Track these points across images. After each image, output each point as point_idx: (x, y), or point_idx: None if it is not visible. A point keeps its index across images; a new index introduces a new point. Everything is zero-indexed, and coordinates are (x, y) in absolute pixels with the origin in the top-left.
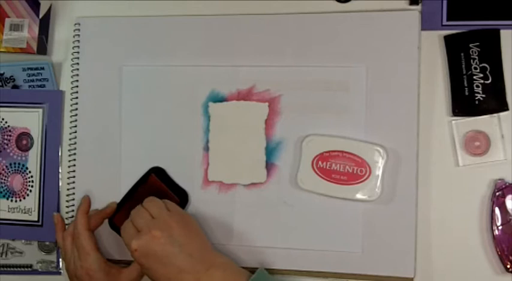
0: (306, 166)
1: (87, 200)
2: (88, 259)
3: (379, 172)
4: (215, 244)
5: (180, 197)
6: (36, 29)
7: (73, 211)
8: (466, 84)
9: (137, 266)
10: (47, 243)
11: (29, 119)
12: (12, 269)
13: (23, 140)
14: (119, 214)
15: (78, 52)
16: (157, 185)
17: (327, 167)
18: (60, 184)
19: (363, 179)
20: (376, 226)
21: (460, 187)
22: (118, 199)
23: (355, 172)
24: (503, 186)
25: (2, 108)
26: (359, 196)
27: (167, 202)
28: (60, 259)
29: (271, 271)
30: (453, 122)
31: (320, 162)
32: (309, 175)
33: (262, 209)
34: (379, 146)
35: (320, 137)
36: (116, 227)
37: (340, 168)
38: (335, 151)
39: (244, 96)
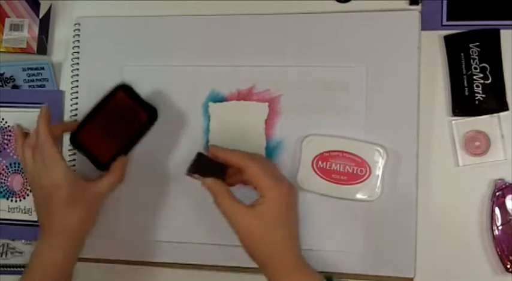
0: (306, 166)
1: (46, 111)
2: (55, 167)
3: (379, 172)
4: (216, 244)
5: (149, 113)
6: (36, 29)
7: None
8: (466, 84)
9: (108, 180)
10: None
11: (29, 119)
12: (12, 269)
13: None
14: (82, 132)
15: (78, 52)
16: (125, 101)
17: (327, 167)
18: None
19: (363, 179)
20: (376, 226)
21: (460, 187)
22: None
23: (355, 172)
24: (503, 186)
25: (2, 108)
26: (359, 196)
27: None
28: None
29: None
30: (453, 122)
31: (320, 162)
32: (309, 175)
33: None
34: (379, 146)
35: (320, 137)
36: (78, 145)
37: (340, 168)
38: (335, 151)
39: (244, 96)
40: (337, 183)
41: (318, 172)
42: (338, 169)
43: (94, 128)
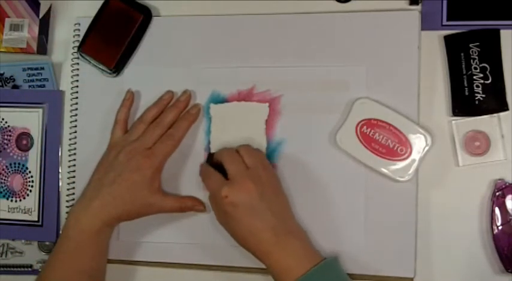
0: (350, 126)
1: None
2: (155, 160)
3: (417, 157)
4: (217, 244)
5: (144, 13)
6: (36, 29)
7: None
8: (466, 84)
9: (172, 203)
10: (47, 243)
11: (29, 119)
12: (12, 269)
13: (23, 140)
14: (86, 43)
15: None
16: (120, 6)
17: (370, 134)
18: (60, 184)
19: (400, 158)
20: (377, 225)
21: (460, 187)
22: None
23: (395, 148)
24: (503, 186)
25: (2, 108)
26: (389, 171)
27: (263, 157)
28: None
29: None
30: (453, 122)
31: (365, 127)
32: (350, 135)
33: None
34: (428, 133)
35: (374, 103)
36: (85, 56)
37: (383, 140)
38: (384, 121)
39: (245, 96)
40: (374, 153)
41: (359, 135)
42: (380, 140)
43: (96, 38)
